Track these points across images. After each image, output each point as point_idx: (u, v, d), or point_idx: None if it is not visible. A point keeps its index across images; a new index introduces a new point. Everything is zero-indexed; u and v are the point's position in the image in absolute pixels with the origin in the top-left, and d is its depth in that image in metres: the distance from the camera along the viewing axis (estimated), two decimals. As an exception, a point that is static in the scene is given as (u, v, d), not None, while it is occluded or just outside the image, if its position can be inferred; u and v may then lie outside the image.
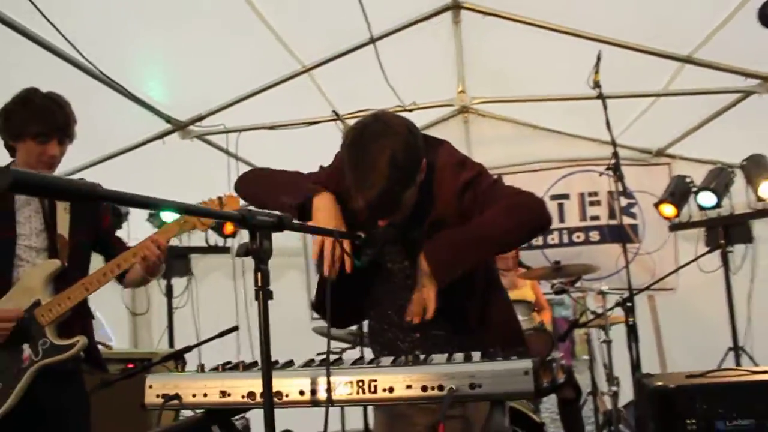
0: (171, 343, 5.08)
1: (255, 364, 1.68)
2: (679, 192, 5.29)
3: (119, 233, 3.17)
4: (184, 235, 5.49)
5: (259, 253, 1.24)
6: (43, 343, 2.43)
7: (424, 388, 1.41)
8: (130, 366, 3.37)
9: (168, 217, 5.15)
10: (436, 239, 1.93)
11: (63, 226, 2.61)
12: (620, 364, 4.40)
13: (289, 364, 1.66)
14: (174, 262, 5.29)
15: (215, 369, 1.65)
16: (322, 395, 1.46)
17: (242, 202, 2.49)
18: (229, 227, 5.38)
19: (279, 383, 1.45)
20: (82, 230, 2.67)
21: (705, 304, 5.52)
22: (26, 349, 2.43)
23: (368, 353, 2.50)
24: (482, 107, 5.67)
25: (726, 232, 5.06)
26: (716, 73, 4.11)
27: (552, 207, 6.31)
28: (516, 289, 4.98)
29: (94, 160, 4.49)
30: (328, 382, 1.42)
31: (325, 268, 1.87)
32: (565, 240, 6.32)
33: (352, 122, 4.34)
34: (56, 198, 0.76)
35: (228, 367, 1.65)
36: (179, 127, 4.61)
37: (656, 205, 5.47)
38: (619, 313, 4.19)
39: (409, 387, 1.42)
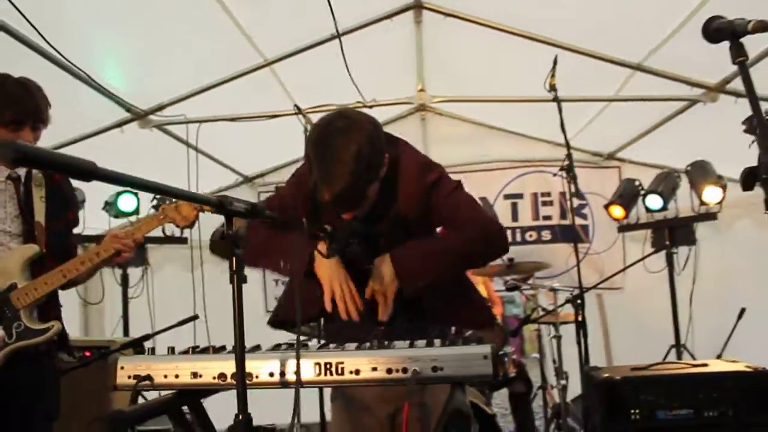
0: (126, 333, 5.03)
1: (224, 348, 1.72)
2: (627, 194, 5.47)
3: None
4: (141, 225, 5.45)
5: (234, 239, 1.29)
6: (18, 326, 2.44)
7: (389, 371, 1.49)
8: (87, 354, 3.34)
9: (124, 205, 5.13)
10: (406, 247, 2.01)
11: (40, 214, 2.61)
12: (569, 360, 4.54)
13: (257, 348, 1.71)
14: (130, 252, 5.23)
15: (185, 352, 1.69)
16: (290, 377, 1.52)
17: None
18: (186, 218, 5.35)
19: (249, 365, 1.50)
20: (58, 219, 2.68)
21: (650, 303, 5.71)
22: None
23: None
24: (440, 106, 5.76)
25: (671, 234, 5.24)
26: (665, 81, 4.29)
27: (506, 206, 6.47)
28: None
29: (50, 146, 4.42)
30: (298, 364, 1.48)
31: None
32: (518, 238, 6.46)
33: (313, 117, 4.42)
34: (58, 172, 0.78)
35: (198, 350, 1.69)
36: (139, 116, 4.58)
37: (606, 207, 5.64)
38: (569, 310, 4.32)
39: (374, 369, 1.50)
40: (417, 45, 4.71)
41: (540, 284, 5.21)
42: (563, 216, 6.33)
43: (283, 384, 1.54)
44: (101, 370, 3.37)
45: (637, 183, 5.51)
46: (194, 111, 4.63)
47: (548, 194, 6.42)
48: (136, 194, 5.12)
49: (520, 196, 6.48)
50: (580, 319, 3.97)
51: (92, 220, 4.85)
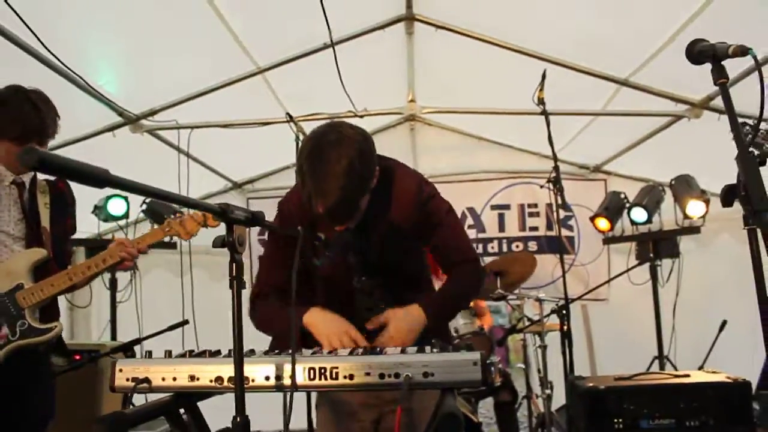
0: (113, 337, 5.01)
1: (219, 352, 1.76)
2: (613, 207, 5.56)
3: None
4: (131, 230, 5.45)
5: (234, 245, 1.33)
6: (21, 325, 2.52)
7: (382, 376, 1.53)
8: (77, 357, 3.36)
9: (114, 209, 5.14)
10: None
11: (45, 220, 2.68)
12: (554, 369, 4.59)
13: (251, 352, 1.74)
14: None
15: (182, 355, 1.72)
16: (286, 381, 1.56)
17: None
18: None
19: (246, 369, 1.53)
20: (60, 225, 2.76)
21: (634, 314, 5.79)
22: (4, 328, 2.49)
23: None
24: (429, 117, 5.83)
25: (655, 247, 5.33)
26: (650, 96, 4.38)
27: (493, 216, 6.54)
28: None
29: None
30: (293, 368, 1.52)
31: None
32: (505, 249, 6.53)
33: (305, 125, 4.47)
34: (73, 179, 0.81)
35: (195, 354, 1.72)
36: (131, 120, 4.58)
37: (592, 219, 5.73)
38: (554, 320, 4.38)
39: (368, 374, 1.54)
40: (408, 56, 4.77)
41: (526, 294, 5.26)
42: (549, 227, 6.41)
43: (279, 387, 1.57)
44: (91, 373, 3.40)
45: (622, 196, 5.60)
46: (186, 117, 4.66)
47: (535, 205, 6.49)
48: (125, 198, 5.13)
49: (507, 206, 6.55)
50: (565, 329, 4.03)
51: (82, 224, 4.84)
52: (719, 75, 1.52)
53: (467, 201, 6.54)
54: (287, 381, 1.55)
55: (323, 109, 4.64)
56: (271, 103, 4.82)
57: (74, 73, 3.67)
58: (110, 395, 3.53)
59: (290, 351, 1.58)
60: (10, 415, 2.51)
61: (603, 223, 5.62)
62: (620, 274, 5.00)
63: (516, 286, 5.32)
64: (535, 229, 6.52)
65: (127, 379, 1.67)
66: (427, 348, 1.66)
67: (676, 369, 4.82)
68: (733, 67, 1.56)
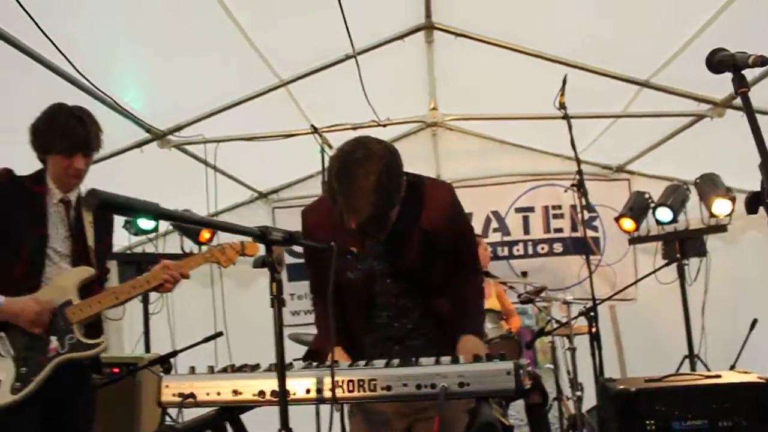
0: (147, 349, 5.12)
1: (258, 366, 1.82)
2: (637, 207, 5.53)
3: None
4: (160, 243, 5.57)
5: (274, 265, 1.39)
6: (70, 339, 2.62)
7: (419, 386, 1.58)
8: (116, 370, 3.45)
9: (144, 223, 5.25)
10: (475, 326, 2.32)
11: (90, 238, 2.77)
12: (583, 371, 4.59)
13: (290, 366, 1.80)
14: (149, 268, 5.31)
15: (224, 370, 1.78)
16: (327, 393, 1.61)
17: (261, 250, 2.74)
18: (204, 234, 5.46)
19: (288, 383, 1.58)
20: (102, 243, 2.85)
21: (662, 314, 5.76)
22: (53, 341, 2.59)
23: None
24: (451, 122, 5.88)
25: (682, 246, 5.30)
26: (672, 97, 4.37)
27: (517, 219, 6.56)
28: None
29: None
30: (333, 382, 1.57)
31: None
32: (530, 251, 6.55)
33: (329, 136, 4.53)
34: (130, 215, 0.88)
35: (236, 369, 1.78)
36: (158, 136, 4.69)
37: (616, 220, 5.71)
38: (582, 322, 4.37)
39: (405, 385, 1.59)
40: (428, 64, 4.82)
41: (553, 297, 5.27)
42: (574, 228, 6.40)
43: (320, 400, 1.63)
44: (129, 386, 3.49)
45: (647, 196, 5.57)
46: (211, 131, 4.75)
47: (559, 207, 6.50)
48: (155, 213, 5.23)
49: (531, 209, 6.56)
50: (594, 331, 4.03)
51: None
52: (740, 84, 1.54)
53: (491, 204, 6.57)
54: (327, 393, 1.61)
55: (346, 119, 4.70)
56: (295, 114, 4.89)
57: (102, 92, 3.76)
58: (148, 407, 3.63)
59: (328, 364, 1.63)
60: (55, 426, 2.60)
61: (628, 224, 5.60)
62: (647, 275, 4.96)
63: (541, 291, 5.33)
64: (560, 230, 6.53)
65: (174, 395, 1.74)
66: (461, 358, 1.70)
67: (708, 368, 4.79)
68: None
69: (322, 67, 4.50)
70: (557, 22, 4.11)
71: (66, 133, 2.64)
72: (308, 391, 1.64)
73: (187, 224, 1.44)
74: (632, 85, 4.45)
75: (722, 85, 4.14)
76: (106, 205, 1.02)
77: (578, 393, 4.50)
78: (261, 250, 2.89)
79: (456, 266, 2.34)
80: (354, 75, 4.30)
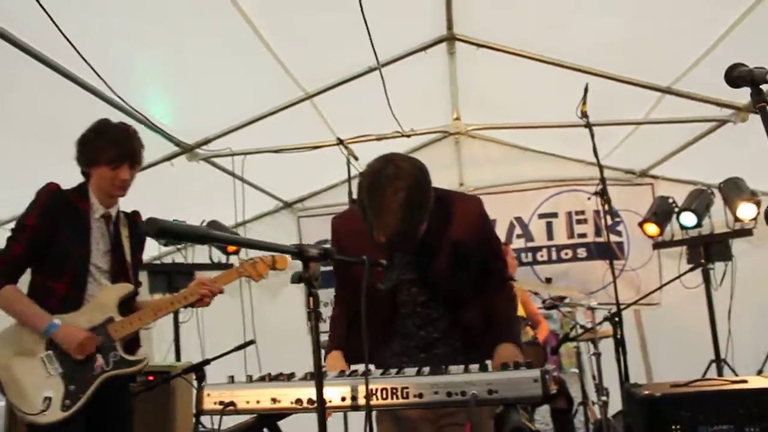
0: (177, 357, 5.23)
1: (293, 374, 1.90)
2: (661, 212, 5.54)
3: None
4: (189, 252, 5.69)
5: (311, 280, 1.47)
6: (114, 356, 2.74)
7: (449, 394, 1.65)
8: (151, 378, 3.56)
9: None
10: (510, 334, 2.37)
11: (128, 253, 2.89)
12: (608, 376, 4.61)
13: (324, 374, 1.88)
14: (179, 278, 5.46)
15: (262, 379, 1.87)
16: (360, 401, 1.69)
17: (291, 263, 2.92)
18: (232, 245, 5.57)
19: (324, 391, 1.66)
20: (137, 257, 2.97)
21: (688, 319, 5.74)
22: (99, 359, 2.71)
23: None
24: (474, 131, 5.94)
25: (707, 250, 5.29)
26: (694, 102, 4.39)
27: (541, 225, 6.59)
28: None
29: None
30: (367, 390, 1.65)
31: None
32: (554, 257, 6.57)
33: (354, 147, 4.61)
34: (183, 240, 0.96)
35: (273, 377, 1.87)
36: (187, 149, 4.81)
37: (640, 225, 5.71)
38: (607, 326, 4.40)
39: (436, 393, 1.66)
40: (451, 75, 4.89)
41: (577, 302, 5.29)
42: (598, 233, 6.42)
43: (354, 407, 1.71)
44: (164, 393, 3.60)
45: (671, 200, 5.56)
46: (238, 143, 4.86)
47: (582, 212, 6.52)
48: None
49: (554, 215, 6.59)
50: (618, 336, 4.06)
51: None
52: (758, 99, 1.59)
53: (515, 211, 6.61)
54: (362, 401, 1.68)
55: (370, 130, 4.79)
56: (320, 126, 4.99)
57: (132, 108, 3.88)
58: (181, 413, 3.74)
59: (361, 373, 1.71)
60: (99, 429, 2.72)
61: (652, 228, 5.60)
62: (672, 280, 4.96)
63: (566, 297, 5.36)
64: (584, 235, 6.54)
65: (215, 403, 1.83)
66: (490, 365, 1.77)
67: (735, 373, 4.79)
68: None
69: (347, 79, 4.59)
70: (578, 30, 4.15)
71: (114, 144, 2.75)
72: (343, 399, 1.72)
73: (231, 245, 1.51)
74: (654, 92, 4.47)
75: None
76: (165, 233, 1.12)
77: (603, 398, 4.52)
78: (291, 264, 3.01)
79: (485, 276, 2.41)
80: (378, 86, 4.38)
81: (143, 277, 5.65)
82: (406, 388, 1.69)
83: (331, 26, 3.99)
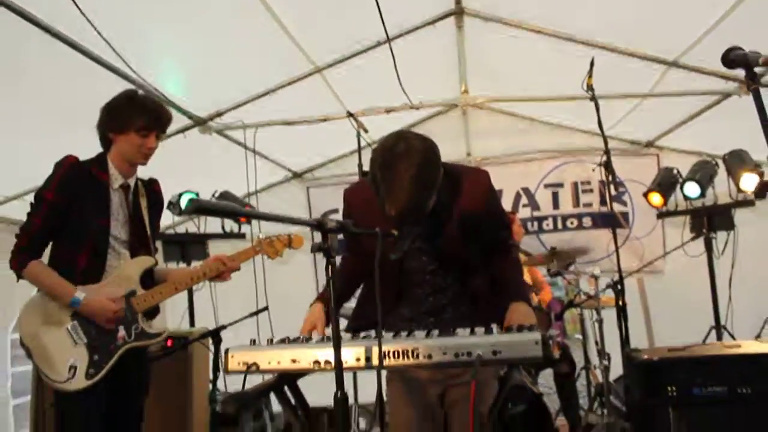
0: (192, 323, 5.39)
1: (310, 338, 2.05)
2: (666, 182, 5.62)
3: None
4: (202, 222, 5.82)
5: (329, 251, 1.59)
6: (136, 328, 2.85)
7: (456, 355, 1.79)
8: (169, 343, 3.70)
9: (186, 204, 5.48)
10: (519, 294, 2.47)
11: (147, 224, 2.95)
12: (611, 341, 4.75)
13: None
14: (192, 247, 5.59)
15: (282, 341, 2.01)
16: (374, 361, 1.83)
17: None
18: (244, 216, 5.70)
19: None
20: (155, 227, 3.05)
21: (690, 286, 5.85)
22: (121, 330, 2.82)
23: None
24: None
25: (709, 220, 5.37)
26: (699, 76, 4.45)
27: (547, 195, 6.69)
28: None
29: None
30: (380, 350, 1.79)
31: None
32: (559, 226, 6.68)
33: (364, 119, 4.70)
34: (218, 216, 1.05)
35: (291, 340, 2.01)
36: (200, 122, 4.91)
37: (645, 195, 5.80)
38: (610, 294, 4.53)
39: (444, 354, 1.80)
40: (459, 48, 4.95)
41: (582, 270, 5.42)
42: (603, 203, 6.50)
43: (368, 367, 1.85)
44: (182, 357, 3.75)
45: (675, 171, 5.64)
46: (250, 116, 4.95)
47: (588, 182, 6.60)
48: (197, 194, 5.47)
49: (560, 185, 6.68)
50: (620, 303, 4.19)
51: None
52: (752, 81, 1.70)
53: (521, 181, 6.70)
54: (375, 361, 1.82)
55: (380, 103, 4.88)
56: (330, 99, 5.08)
57: (146, 81, 3.94)
58: (198, 376, 3.90)
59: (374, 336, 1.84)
60: (117, 394, 2.83)
61: (656, 199, 5.68)
62: (675, 249, 5.09)
63: (570, 264, 5.48)
64: (589, 205, 6.63)
65: (239, 364, 1.97)
66: (495, 328, 1.90)
67: (734, 338, 4.92)
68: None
69: (356, 53, 4.66)
70: (585, 4, 4.20)
71: (147, 112, 2.81)
72: (358, 360, 1.87)
73: (258, 219, 1.60)
74: (660, 65, 4.53)
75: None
76: (205, 211, 1.24)
77: (605, 363, 4.67)
78: (306, 242, 3.13)
79: (492, 245, 2.53)
80: (387, 60, 4.44)
81: (157, 246, 5.82)
82: (417, 349, 1.83)
83: (342, 1, 4.05)
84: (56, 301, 2.76)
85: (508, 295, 2.43)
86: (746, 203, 5.18)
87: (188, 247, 5.60)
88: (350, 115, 4.47)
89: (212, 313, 5.28)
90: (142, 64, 3.81)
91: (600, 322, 4.91)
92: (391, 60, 4.41)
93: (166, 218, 5.78)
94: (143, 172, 3.07)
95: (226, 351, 2.03)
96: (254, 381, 2.21)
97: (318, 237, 1.69)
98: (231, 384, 4.15)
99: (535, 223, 6.68)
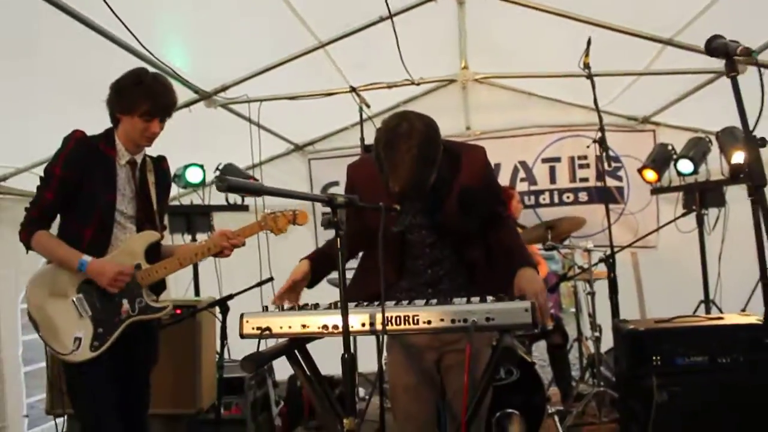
0: (197, 293, 5.54)
1: (318, 305, 2.20)
2: (660, 159, 5.74)
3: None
4: (206, 194, 5.94)
5: (338, 224, 1.73)
6: (140, 302, 2.89)
7: (453, 321, 1.95)
8: (178, 311, 3.83)
9: (192, 177, 5.59)
10: (524, 258, 2.59)
11: (154, 200, 2.98)
12: (603, 314, 4.89)
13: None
14: (197, 219, 5.72)
15: (292, 308, 2.16)
16: (378, 326, 1.99)
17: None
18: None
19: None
20: (162, 203, 3.09)
21: (682, 261, 6.02)
22: (125, 304, 2.86)
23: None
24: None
25: (701, 197, 5.51)
26: (694, 54, 4.54)
27: (544, 169, 6.81)
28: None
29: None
30: (383, 317, 1.94)
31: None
32: (556, 200, 6.81)
33: (365, 94, 4.80)
34: (242, 194, 1.16)
35: (301, 307, 2.16)
36: (205, 96, 5.00)
37: (639, 171, 5.92)
38: (603, 268, 4.68)
39: (442, 320, 1.96)
40: (460, 25, 5.03)
41: (576, 245, 5.55)
42: (599, 178, 6.61)
43: (373, 332, 2.01)
44: (190, 324, 3.90)
45: (670, 147, 5.75)
46: (254, 90, 5.05)
47: (585, 157, 6.70)
48: (201, 166, 5.59)
49: (557, 159, 6.79)
50: (611, 277, 4.34)
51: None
52: (731, 69, 1.83)
53: (519, 155, 6.81)
54: (379, 326, 1.98)
55: (381, 78, 4.98)
56: (333, 73, 5.17)
57: (152, 55, 3.98)
58: (206, 342, 4.05)
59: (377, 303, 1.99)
60: (123, 362, 2.90)
61: (650, 175, 5.80)
62: (667, 224, 5.21)
63: (565, 239, 5.61)
64: (585, 180, 6.75)
65: (253, 328, 2.12)
66: (489, 298, 2.06)
67: (721, 312, 5.09)
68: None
69: (359, 28, 4.74)
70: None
71: (151, 98, 2.78)
72: (363, 325, 2.03)
73: (277, 196, 1.66)
74: (656, 44, 4.62)
75: (745, 44, 4.32)
76: (233, 189, 1.37)
77: (596, 334, 4.84)
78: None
79: (490, 217, 2.66)
80: (388, 35, 4.52)
81: (166, 224, 5.92)
82: (417, 315, 1.98)
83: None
84: (63, 266, 2.79)
85: (513, 262, 2.53)
86: (737, 180, 5.29)
87: (193, 218, 5.73)
88: (353, 89, 4.57)
89: (216, 286, 5.44)
90: (150, 39, 3.86)
91: (592, 295, 5.07)
92: (393, 35, 4.49)
93: (171, 190, 5.92)
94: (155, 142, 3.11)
95: (241, 316, 2.18)
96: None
97: (318, 212, 1.82)
98: (235, 353, 4.33)
99: (532, 197, 6.81)
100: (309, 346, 2.32)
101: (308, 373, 2.23)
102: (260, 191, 1.51)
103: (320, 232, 6.68)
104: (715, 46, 1.87)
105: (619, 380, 3.61)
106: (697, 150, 5.45)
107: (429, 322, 1.98)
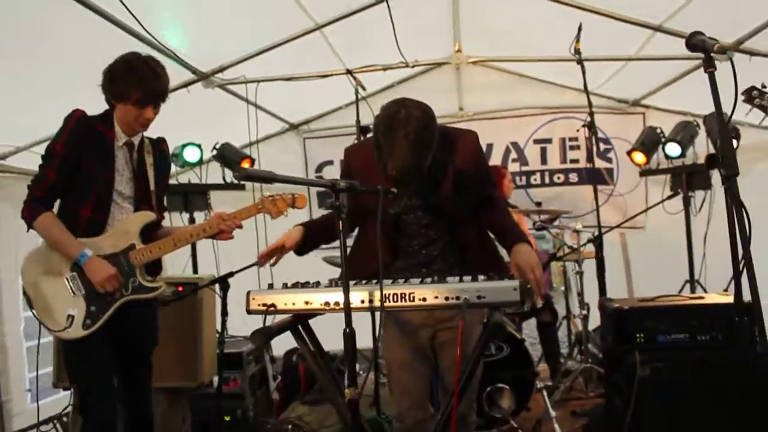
0: (195, 270, 5.64)
1: (319, 283, 2.33)
2: (649, 141, 5.86)
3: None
4: (203, 172, 6.01)
5: (340, 208, 1.85)
6: (133, 282, 2.90)
7: (447, 298, 2.07)
8: (180, 288, 3.93)
9: (189, 156, 5.66)
10: (519, 235, 2.64)
11: (152, 181, 3.01)
12: (591, 293, 5.02)
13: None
14: (194, 197, 5.80)
15: (295, 285, 2.28)
16: (376, 303, 2.11)
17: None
18: (244, 165, 5.90)
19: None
20: (161, 185, 3.11)
21: (669, 242, 6.14)
22: None
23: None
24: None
25: (688, 179, 5.64)
26: (683, 40, 4.63)
27: (535, 150, 6.92)
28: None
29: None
30: (382, 294, 2.06)
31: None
32: (547, 181, 6.94)
33: (361, 76, 4.88)
34: (254, 181, 1.23)
35: (302, 285, 2.29)
36: (203, 77, 5.07)
37: (628, 153, 6.04)
38: (591, 248, 4.81)
39: (436, 297, 2.09)
40: (454, 8, 5.10)
41: (565, 225, 5.68)
42: (590, 159, 6.70)
43: (372, 308, 2.13)
44: (191, 302, 4.00)
45: (658, 130, 5.86)
46: (252, 71, 5.12)
47: (575, 139, 6.80)
48: (199, 146, 5.65)
49: (549, 140, 6.90)
50: (599, 257, 4.48)
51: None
52: (708, 65, 1.94)
53: (511, 136, 6.92)
54: (377, 303, 2.11)
55: (376, 60, 5.06)
56: (329, 55, 5.25)
57: (151, 35, 4.02)
58: (207, 319, 4.16)
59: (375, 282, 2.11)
60: (123, 343, 2.95)
61: (639, 157, 5.92)
62: (655, 205, 5.32)
63: (555, 218, 5.75)
64: (576, 161, 6.87)
65: (259, 305, 2.24)
66: (480, 277, 2.19)
67: (706, 291, 5.24)
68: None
69: (354, 11, 4.81)
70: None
71: (142, 85, 2.76)
72: (362, 302, 2.15)
73: (287, 183, 1.70)
74: (646, 30, 4.72)
75: (732, 30, 4.43)
76: (249, 178, 1.48)
77: (584, 312, 4.99)
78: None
79: (481, 199, 2.77)
80: (383, 18, 4.59)
81: (165, 205, 5.97)
82: (413, 293, 2.11)
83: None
84: (63, 253, 2.81)
85: (507, 239, 2.63)
86: (711, 167, 5.39)
87: (190, 197, 5.79)
88: (349, 72, 4.65)
89: (214, 264, 5.53)
90: (149, 20, 3.89)
91: (581, 274, 5.20)
92: (388, 18, 4.56)
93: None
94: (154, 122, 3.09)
95: (248, 293, 2.30)
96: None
97: (314, 192, 1.91)
98: (233, 329, 4.44)
99: (524, 178, 6.93)
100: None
101: (311, 347, 2.36)
102: (273, 179, 1.62)
103: (315, 211, 6.78)
104: (694, 42, 1.99)
105: (605, 356, 3.74)
106: (684, 134, 5.56)
107: (424, 300, 2.11)
